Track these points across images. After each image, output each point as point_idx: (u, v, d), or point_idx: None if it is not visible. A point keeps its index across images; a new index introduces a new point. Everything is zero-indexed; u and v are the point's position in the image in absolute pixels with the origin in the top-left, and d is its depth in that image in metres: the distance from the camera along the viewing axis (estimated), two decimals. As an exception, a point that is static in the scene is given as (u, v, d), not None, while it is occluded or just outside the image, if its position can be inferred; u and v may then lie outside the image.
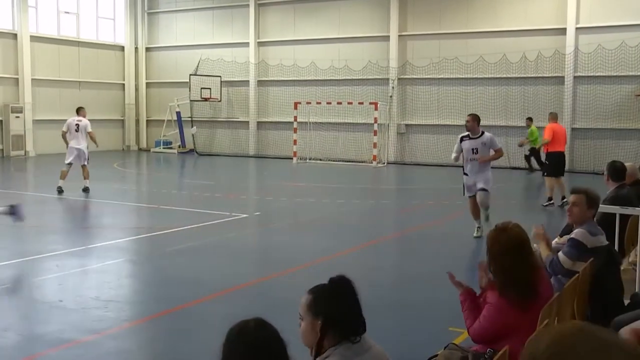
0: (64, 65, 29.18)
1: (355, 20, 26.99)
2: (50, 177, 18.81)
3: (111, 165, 24.18)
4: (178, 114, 29.95)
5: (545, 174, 14.45)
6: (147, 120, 32.81)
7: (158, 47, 32.30)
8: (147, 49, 32.58)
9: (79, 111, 16.17)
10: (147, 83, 32.75)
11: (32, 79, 27.80)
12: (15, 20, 27.33)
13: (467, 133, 10.44)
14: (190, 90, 28.71)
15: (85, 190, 15.35)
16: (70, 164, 15.46)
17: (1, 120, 27.04)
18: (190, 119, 29.83)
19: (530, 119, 21.22)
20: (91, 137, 15.88)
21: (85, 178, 15.46)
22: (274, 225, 12.60)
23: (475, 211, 10.57)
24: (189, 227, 11.64)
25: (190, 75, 28.84)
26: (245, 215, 13.09)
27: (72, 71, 29.43)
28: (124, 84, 32.34)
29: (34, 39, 27.92)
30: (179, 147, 30.24)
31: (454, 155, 10.64)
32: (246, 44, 29.39)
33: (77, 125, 15.66)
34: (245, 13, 29.39)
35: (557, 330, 1.56)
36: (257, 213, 13.71)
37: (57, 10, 29.29)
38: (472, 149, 10.33)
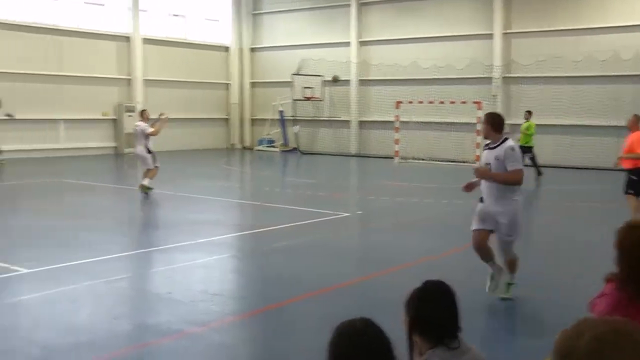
0: (173, 66, 30.29)
1: (458, 18, 26.55)
2: (159, 174, 19.56)
3: (218, 164, 24.91)
4: (281, 113, 30.46)
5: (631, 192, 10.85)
6: (251, 119, 33.56)
7: (262, 47, 32.97)
8: (252, 50, 33.33)
9: (142, 114, 16.03)
10: (251, 83, 33.51)
11: (144, 80, 29.04)
12: (129, 24, 28.62)
13: (489, 141, 7.23)
14: (292, 90, 29.12)
15: (143, 187, 14.83)
16: (156, 166, 15.31)
17: (115, 119, 28.39)
18: (293, 118, 30.26)
19: (529, 112, 20.11)
20: (153, 134, 15.70)
21: (145, 176, 15.09)
22: (376, 224, 12.57)
23: (482, 249, 7.14)
24: (291, 225, 11.79)
25: (292, 74, 29.25)
26: (347, 214, 13.13)
27: (180, 71, 30.50)
28: (228, 84, 33.22)
29: (146, 41, 29.16)
30: (282, 145, 30.72)
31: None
32: (347, 44, 29.52)
33: (135, 130, 15.69)
34: (347, 13, 29.52)
35: (598, 325, 1.51)
36: (359, 212, 13.72)
37: (166, 14, 30.47)
38: (486, 164, 7.04)
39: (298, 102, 29.66)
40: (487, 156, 7.09)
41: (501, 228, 6.97)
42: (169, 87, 29.92)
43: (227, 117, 33.28)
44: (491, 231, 7.06)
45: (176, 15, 30.89)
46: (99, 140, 27.71)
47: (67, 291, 7.53)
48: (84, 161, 24.48)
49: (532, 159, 19.40)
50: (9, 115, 24.07)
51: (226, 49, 33.13)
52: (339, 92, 29.88)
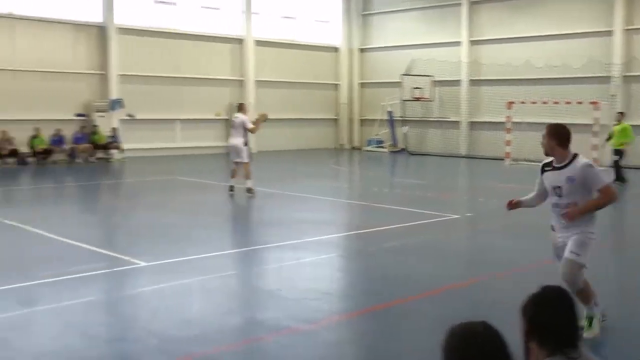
0: (283, 67, 30.85)
1: (574, 15, 25.53)
2: (268, 173, 19.98)
3: (326, 164, 25.15)
4: (390, 113, 30.37)
5: None
6: (359, 120, 33.67)
7: (371, 47, 33.01)
8: (361, 50, 33.42)
9: (241, 107, 15.76)
10: (360, 83, 33.61)
11: (255, 81, 29.76)
12: (242, 27, 29.42)
13: (550, 159, 5.96)
14: (401, 90, 28.96)
15: (249, 191, 14.72)
16: (236, 162, 15.08)
17: (228, 119, 29.22)
18: (401, 118, 30.10)
19: (621, 114, 18.60)
20: (252, 131, 15.19)
21: (246, 178, 14.86)
22: (486, 227, 12.28)
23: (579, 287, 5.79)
24: (399, 225, 11.72)
25: (401, 75, 29.09)
26: (456, 216, 12.90)
27: (290, 72, 31.03)
28: (338, 84, 33.47)
29: (258, 43, 29.87)
30: (391, 146, 30.61)
31: (531, 195, 6.27)
32: (458, 43, 29.04)
33: (234, 121, 15.39)
34: (458, 12, 29.05)
35: None
36: (469, 214, 13.45)
37: (278, 16, 31.09)
38: (554, 188, 5.85)
39: (407, 102, 29.47)
40: (553, 178, 5.81)
41: (568, 246, 5.79)
42: (279, 87, 30.51)
43: (336, 117, 33.53)
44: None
45: (287, 18, 31.44)
46: (212, 140, 28.61)
47: (182, 285, 7.82)
48: (198, 160, 25.37)
49: (617, 163, 17.85)
50: (130, 115, 25.34)
51: (336, 49, 33.40)
52: (449, 92, 29.47)
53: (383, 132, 31.30)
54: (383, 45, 32.21)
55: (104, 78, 25.61)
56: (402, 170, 25.31)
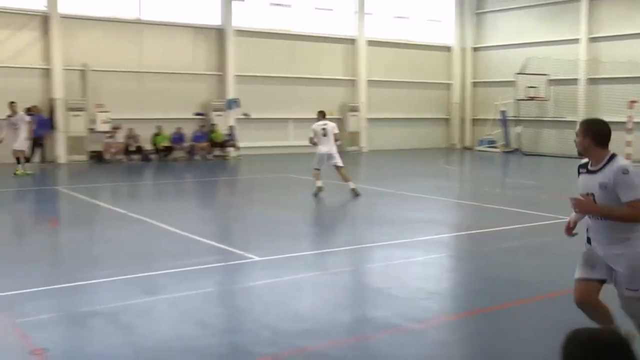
0: (395, 66, 30.81)
1: None
2: (379, 172, 20.04)
3: (437, 163, 24.93)
4: (503, 113, 29.69)
5: None
6: (472, 119, 33.12)
7: (485, 46, 32.40)
8: (474, 49, 32.88)
9: (324, 115, 15.44)
10: (472, 82, 33.07)
11: (368, 80, 29.91)
12: (355, 27, 29.66)
13: (585, 160, 5.08)
14: (516, 89, 28.23)
15: (354, 191, 14.67)
16: (318, 169, 14.97)
17: (340, 118, 29.56)
18: (515, 118, 29.35)
19: None
20: (336, 138, 15.15)
21: (346, 180, 14.96)
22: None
23: (589, 306, 5.12)
24: (511, 227, 11.50)
25: (516, 74, 28.36)
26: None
27: (402, 72, 30.95)
28: (450, 84, 33.06)
29: (370, 43, 30.00)
30: (503, 146, 29.93)
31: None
32: (576, 41, 28.00)
33: (324, 129, 14.99)
34: (576, 8, 28.00)
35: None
36: (585, 217, 12.95)
37: (390, 16, 31.10)
38: (588, 195, 4.92)
39: (521, 102, 28.70)
40: (586, 183, 4.94)
41: (619, 278, 4.88)
42: (391, 87, 30.52)
43: (447, 117, 33.16)
44: (603, 281, 5.02)
45: (399, 17, 31.38)
46: (323, 139, 29.02)
47: (293, 280, 8.04)
48: (309, 158, 25.73)
49: None
50: (245, 115, 26.17)
51: (448, 49, 33.01)
52: (565, 91, 28.45)
53: (495, 132, 30.63)
54: (497, 44, 31.54)
55: (221, 78, 26.57)
56: (515, 170, 24.69)
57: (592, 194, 4.85)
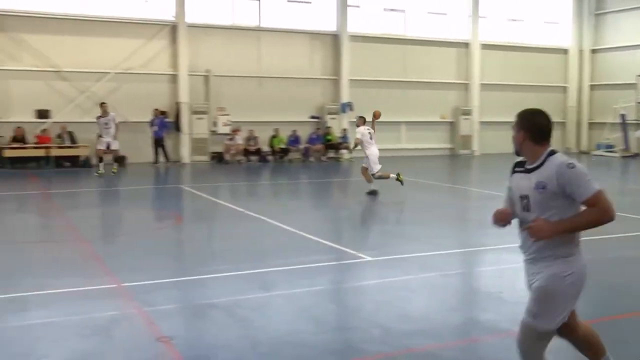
0: (509, 69, 30.18)
1: None
2: (491, 175, 19.72)
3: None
4: (623, 116, 28.40)
5: None
6: (588, 123, 31.90)
7: (604, 48, 31.16)
8: (592, 51, 31.67)
9: (364, 119, 15.87)
10: (590, 85, 31.83)
11: (480, 84, 29.47)
12: (469, 31, 29.31)
13: (522, 158, 4.35)
14: (637, 92, 26.96)
15: (372, 193, 15.22)
16: (374, 173, 15.33)
17: (453, 122, 29.34)
18: (636, 121, 28.02)
19: None
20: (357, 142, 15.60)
21: (370, 181, 15.42)
22: None
23: (569, 337, 4.64)
24: (632, 234, 11.08)
25: (637, 76, 27.08)
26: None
27: (515, 75, 30.28)
28: (566, 87, 31.98)
29: (484, 46, 29.56)
30: (623, 150, 28.62)
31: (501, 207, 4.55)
32: None
33: (370, 133, 15.51)
34: None
35: None
36: None
37: (505, 19, 30.51)
38: (521, 198, 4.25)
39: (644, 105, 27.41)
40: (520, 184, 4.21)
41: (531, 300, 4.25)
42: (504, 90, 29.94)
43: (563, 120, 32.10)
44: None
45: (514, 20, 30.71)
46: (436, 142, 28.88)
47: (405, 280, 8.16)
48: (421, 161, 25.74)
49: None
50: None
51: (565, 51, 31.98)
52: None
53: (614, 137, 29.33)
54: (617, 45, 30.25)
55: (336, 83, 27.03)
56: (635, 176, 23.53)
57: (527, 197, 4.15)
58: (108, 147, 19.84)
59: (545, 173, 4.01)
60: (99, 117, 19.69)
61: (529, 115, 4.23)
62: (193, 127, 24.70)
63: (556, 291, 4.13)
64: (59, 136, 22.81)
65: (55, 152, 22.25)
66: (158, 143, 23.35)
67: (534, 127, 4.15)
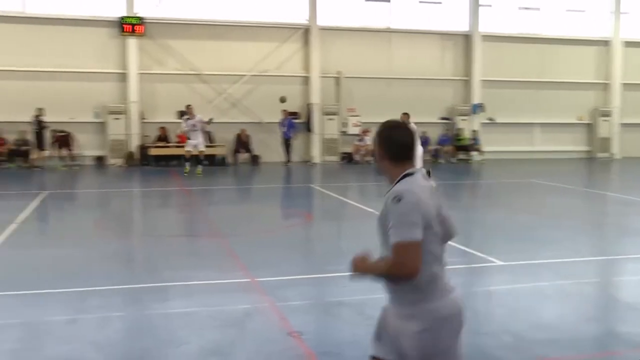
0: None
1: None
2: (633, 181, 18.70)
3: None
4: None
5: None
6: None
7: None
8: None
9: (408, 116, 16.27)
10: None
11: (622, 84, 27.95)
12: (609, 28, 27.91)
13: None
14: None
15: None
16: None
17: (590, 123, 28.04)
18: None
19: None
20: None
21: None
22: None
23: None
24: None
25: None
26: None
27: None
28: None
29: (627, 44, 28.03)
30: None
31: None
32: None
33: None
34: None
35: None
36: None
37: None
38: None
39: None
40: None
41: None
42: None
43: None
44: None
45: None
46: (572, 144, 27.73)
47: (537, 287, 7.93)
48: (556, 164, 24.81)
49: None
50: (490, 119, 25.95)
51: None
52: None
53: None
54: None
55: (467, 83, 26.61)
56: None
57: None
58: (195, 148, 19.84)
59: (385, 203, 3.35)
60: (186, 119, 19.65)
61: (387, 129, 3.49)
62: (324, 128, 25.16)
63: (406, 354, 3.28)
64: (198, 136, 23.93)
65: (194, 151, 23.30)
66: (286, 143, 23.99)
67: (391, 144, 3.44)
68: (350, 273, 3.37)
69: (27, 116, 21.67)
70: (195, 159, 20.02)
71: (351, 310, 6.89)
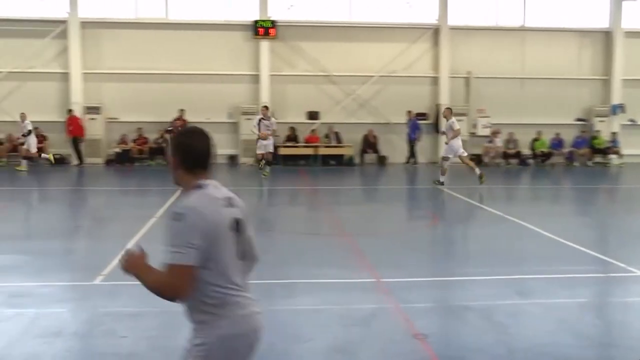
0: None
1: None
2: None
3: None
4: None
5: None
6: None
7: None
8: None
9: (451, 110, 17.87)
10: None
11: None
12: None
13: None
14: None
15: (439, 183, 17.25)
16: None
17: None
18: None
19: None
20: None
21: (443, 174, 17.51)
22: None
23: None
24: None
25: None
26: None
27: None
28: None
29: None
30: None
31: None
32: None
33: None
34: None
35: None
36: None
37: None
38: None
39: None
40: None
41: None
42: None
43: None
44: None
45: None
46: None
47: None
48: None
49: None
50: (631, 120, 24.58)
51: None
52: None
53: None
54: None
55: (606, 83, 25.32)
56: None
57: None
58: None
59: None
60: (260, 120, 18.87)
61: (183, 136, 3.39)
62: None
63: None
64: (327, 136, 24.31)
65: (322, 151, 23.77)
66: (411, 144, 23.81)
67: (187, 152, 3.29)
68: (120, 266, 3.27)
69: (168, 117, 22.87)
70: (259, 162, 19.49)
71: (478, 315, 6.78)
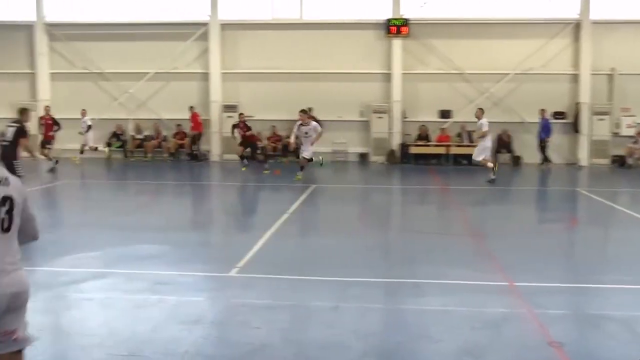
0: None
1: None
2: None
3: None
4: None
5: None
6: None
7: None
8: None
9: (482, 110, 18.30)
10: None
11: None
12: None
13: None
14: None
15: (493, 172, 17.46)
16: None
17: None
18: None
19: None
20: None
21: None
22: None
23: None
24: None
25: None
26: None
27: None
28: None
29: None
30: None
31: None
32: None
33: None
34: None
35: None
36: None
37: None
38: None
39: None
40: None
41: None
42: None
43: None
44: None
45: None
46: None
47: None
48: None
49: None
50: None
51: None
52: None
53: None
54: None
55: None
56: None
57: None
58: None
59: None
60: (300, 125, 18.01)
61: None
62: (593, 129, 23.59)
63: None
64: (458, 135, 23.90)
65: (454, 150, 23.39)
66: (541, 144, 22.77)
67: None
68: None
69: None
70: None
71: (618, 325, 6.44)
